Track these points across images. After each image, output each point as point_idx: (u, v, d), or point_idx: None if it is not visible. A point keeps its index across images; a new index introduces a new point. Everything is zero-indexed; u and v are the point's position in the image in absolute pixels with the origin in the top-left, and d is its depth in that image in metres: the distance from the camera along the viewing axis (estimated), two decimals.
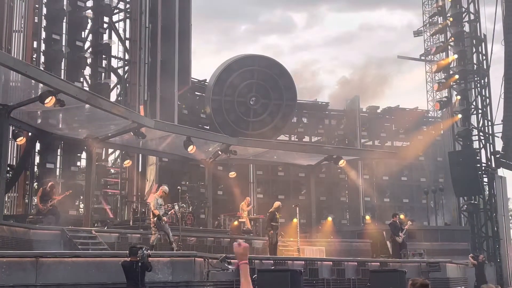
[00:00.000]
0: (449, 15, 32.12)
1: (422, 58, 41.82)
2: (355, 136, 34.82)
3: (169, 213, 17.84)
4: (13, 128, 18.95)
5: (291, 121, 33.85)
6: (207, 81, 32.23)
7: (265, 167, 31.94)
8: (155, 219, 16.18)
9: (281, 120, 32.98)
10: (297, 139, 34.57)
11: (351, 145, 34.25)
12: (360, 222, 31.35)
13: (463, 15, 31.92)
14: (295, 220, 23.19)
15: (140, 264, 11.10)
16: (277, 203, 19.90)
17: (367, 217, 29.11)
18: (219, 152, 24.37)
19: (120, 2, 28.54)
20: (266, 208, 27.09)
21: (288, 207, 23.70)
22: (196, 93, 32.06)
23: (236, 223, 24.14)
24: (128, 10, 28.35)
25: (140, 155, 26.82)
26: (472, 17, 31.87)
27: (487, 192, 30.75)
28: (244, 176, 31.71)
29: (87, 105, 17.74)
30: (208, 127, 31.04)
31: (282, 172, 32.68)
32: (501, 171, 31.04)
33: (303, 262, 16.69)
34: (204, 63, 39.29)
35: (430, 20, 36.84)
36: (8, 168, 18.51)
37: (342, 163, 27.24)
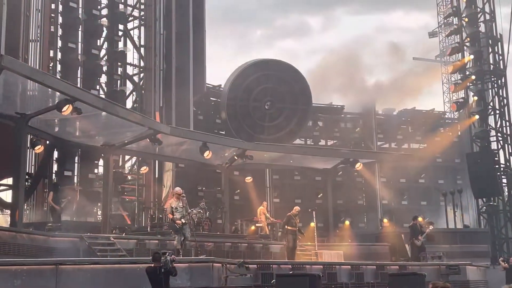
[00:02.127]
0: (464, 15, 31.92)
1: (438, 59, 41.55)
2: (371, 139, 34.64)
3: (189, 212, 17.40)
4: (31, 136, 19.14)
5: (306, 125, 33.76)
6: (222, 86, 32.29)
7: (281, 171, 31.89)
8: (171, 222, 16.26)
9: (296, 125, 32.89)
10: (312, 143, 34.48)
11: (367, 148, 34.10)
12: (378, 225, 31.13)
13: (479, 15, 31.69)
14: (312, 224, 23.12)
15: (163, 270, 11.05)
16: (296, 208, 19.91)
17: (385, 220, 28.88)
18: (235, 157, 24.41)
19: (135, 10, 28.76)
20: (283, 213, 27.04)
21: (305, 211, 23.63)
22: (211, 98, 32.13)
23: (253, 228, 24.14)
24: (143, 17, 28.55)
25: (157, 161, 26.94)
26: (487, 17, 31.63)
27: (506, 193, 30.41)
28: (260, 180, 31.70)
29: (103, 113, 17.89)
30: (223, 132, 31.09)
31: (298, 176, 32.59)
32: None
33: (321, 266, 16.59)
34: (220, 69, 39.28)
35: (445, 21, 36.62)
36: (27, 177, 18.68)
37: (358, 166, 27.18)
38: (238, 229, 24.48)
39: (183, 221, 16.11)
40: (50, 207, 19.22)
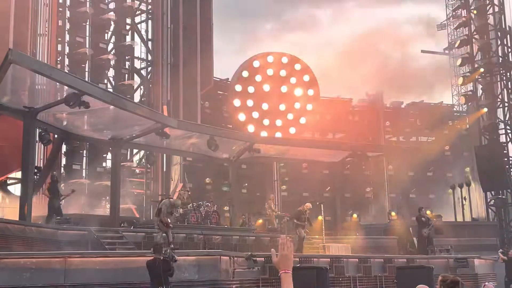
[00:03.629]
0: (472, 7, 31.74)
1: (446, 52, 41.27)
2: (379, 132, 34.55)
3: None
4: (40, 130, 19.22)
5: (315, 118, 33.70)
6: (230, 80, 32.29)
7: (289, 165, 31.88)
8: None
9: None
10: (320, 136, 34.43)
11: (376, 140, 34.01)
12: (386, 219, 31.08)
13: (487, 7, 31.48)
14: (320, 217, 23.13)
15: (162, 261, 11.10)
16: (308, 205, 20.04)
17: (393, 213, 28.80)
18: (243, 151, 24.43)
19: (142, 4, 28.78)
20: (291, 206, 27.11)
21: (313, 204, 23.62)
22: (218, 92, 32.15)
23: (261, 221, 24.18)
24: (150, 11, 28.58)
25: (165, 154, 27.01)
26: (496, 9, 31.42)
27: None
28: (268, 174, 31.74)
29: (111, 107, 17.92)
30: (231, 126, 31.12)
31: (306, 170, 32.58)
32: None
33: (329, 259, 16.62)
34: (228, 62, 39.28)
35: (454, 13, 36.38)
36: (36, 170, 18.77)
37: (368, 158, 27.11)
38: (246, 222, 24.53)
39: (171, 226, 16.49)
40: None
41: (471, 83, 32.35)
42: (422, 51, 44.55)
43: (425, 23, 37.32)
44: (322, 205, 21.80)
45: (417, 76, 35.99)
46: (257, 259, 14.51)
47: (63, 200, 18.80)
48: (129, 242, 17.42)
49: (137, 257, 13.47)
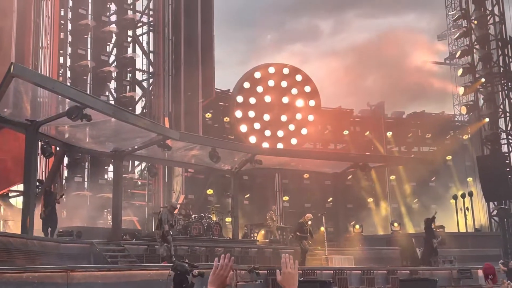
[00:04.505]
0: (473, 18, 31.80)
1: (447, 62, 41.38)
2: (381, 142, 34.55)
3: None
4: (42, 143, 19.22)
5: (316, 129, 33.73)
6: (231, 91, 32.36)
7: (291, 175, 31.85)
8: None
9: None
10: (322, 147, 34.43)
11: (377, 151, 34.01)
12: (389, 229, 31.00)
13: (488, 18, 31.55)
14: (322, 228, 23.06)
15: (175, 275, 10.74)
16: (308, 216, 19.95)
17: (395, 224, 28.73)
18: (244, 162, 24.41)
19: (143, 16, 28.89)
20: (293, 217, 27.08)
21: (315, 215, 23.58)
22: (220, 103, 32.18)
23: (263, 232, 24.11)
24: (152, 23, 28.69)
25: (166, 166, 27.00)
26: (497, 19, 31.48)
27: None
28: (270, 185, 31.72)
29: (113, 119, 17.94)
30: (232, 137, 31.12)
31: (308, 181, 32.53)
32: None
33: (332, 271, 16.55)
34: (229, 73, 39.37)
35: (454, 23, 36.48)
36: (38, 183, 18.74)
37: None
38: (248, 234, 24.47)
39: (171, 233, 16.41)
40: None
41: (473, 93, 32.35)
42: (424, 61, 44.77)
43: (426, 33, 37.47)
44: (324, 217, 21.72)
45: (418, 86, 36.10)
46: (260, 271, 14.45)
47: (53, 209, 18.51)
48: (131, 255, 17.36)
49: (139, 270, 13.42)
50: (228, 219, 26.02)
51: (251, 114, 31.58)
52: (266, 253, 21.43)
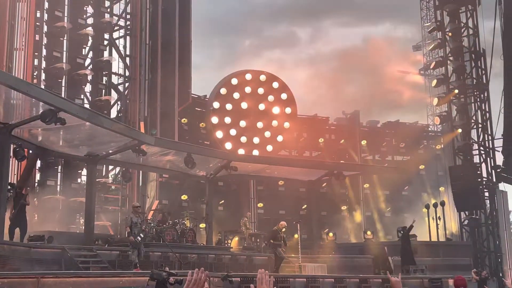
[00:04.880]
0: (447, 30, 32.28)
1: (422, 72, 41.95)
2: (356, 151, 34.84)
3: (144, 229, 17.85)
4: (14, 146, 18.95)
5: (292, 136, 33.87)
6: (208, 97, 32.32)
7: (266, 182, 31.90)
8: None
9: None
10: (297, 154, 34.57)
11: (352, 159, 34.27)
12: (362, 237, 31.24)
13: (462, 30, 32.06)
14: (296, 236, 23.13)
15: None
16: (282, 223, 19.98)
17: (368, 232, 28.99)
18: (220, 168, 24.40)
19: (121, 20, 28.72)
20: (267, 224, 27.11)
21: (289, 223, 23.67)
22: (196, 108, 32.11)
23: (237, 239, 24.09)
24: (129, 27, 28.53)
25: (141, 171, 26.82)
26: (471, 31, 31.99)
27: (488, 207, 30.67)
28: (245, 191, 31.71)
29: (87, 123, 17.78)
30: (208, 143, 31.07)
31: (282, 188, 32.62)
32: (502, 186, 30.97)
33: (305, 279, 16.61)
34: (208, 78, 39.34)
35: (429, 34, 37.01)
36: (9, 187, 18.46)
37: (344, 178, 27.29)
38: (222, 241, 24.42)
39: (139, 239, 16.22)
40: None
41: (446, 104, 32.81)
42: (399, 71, 45.33)
43: (401, 44, 37.97)
44: (298, 225, 21.79)
45: (393, 95, 36.53)
46: (233, 279, 14.43)
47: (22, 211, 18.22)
48: (103, 261, 17.18)
49: (111, 277, 13.31)
50: (202, 225, 25.93)
51: (227, 120, 31.57)
52: (240, 260, 21.41)
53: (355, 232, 33.58)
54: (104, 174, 27.44)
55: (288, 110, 33.14)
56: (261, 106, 32.56)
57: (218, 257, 21.00)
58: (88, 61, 27.02)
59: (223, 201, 30.32)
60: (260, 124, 32.37)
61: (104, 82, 27.49)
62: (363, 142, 35.50)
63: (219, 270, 17.55)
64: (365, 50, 37.97)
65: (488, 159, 31.04)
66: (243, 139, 31.73)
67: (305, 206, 31.82)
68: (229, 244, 23.86)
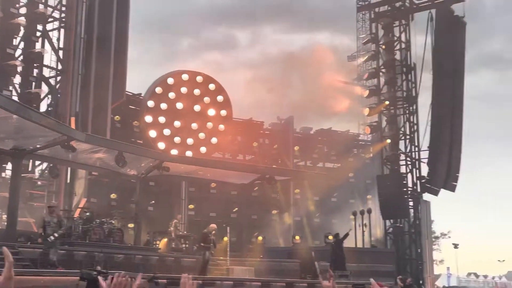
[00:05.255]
0: (381, 42, 33.26)
1: (355, 82, 42.99)
2: (288, 156, 35.29)
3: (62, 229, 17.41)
4: None
5: (226, 139, 33.92)
6: (142, 95, 31.89)
7: (198, 184, 31.79)
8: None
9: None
10: (231, 157, 34.66)
11: (284, 164, 34.68)
12: (290, 242, 31.64)
13: (395, 44, 33.11)
14: (225, 238, 23.17)
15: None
16: (213, 226, 19.94)
17: (297, 237, 29.43)
18: (152, 168, 24.11)
19: (55, 11, 27.87)
20: (197, 226, 27.01)
21: (219, 225, 23.66)
22: (130, 106, 31.61)
23: (166, 240, 23.86)
24: (63, 19, 27.72)
25: (69, 167, 26.12)
26: (403, 45, 33.10)
27: (412, 216, 31.78)
28: (176, 192, 31.48)
29: (15, 116, 17.16)
30: (141, 142, 30.64)
31: (214, 190, 32.62)
32: (426, 196, 32.17)
33: (232, 282, 16.66)
34: (144, 76, 38.79)
35: (364, 46, 38.01)
36: None
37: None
38: (150, 242, 24.13)
39: (52, 238, 15.91)
40: None
41: (377, 114, 33.76)
42: (333, 80, 46.25)
43: (338, 54, 38.82)
44: (228, 228, 21.83)
45: (327, 103, 37.24)
46: (160, 281, 14.28)
47: None
48: (25, 259, 16.60)
49: (32, 276, 12.89)
50: (131, 225, 25.52)
51: (162, 119, 31.27)
52: (168, 261, 21.20)
53: (284, 236, 33.98)
54: (30, 169, 26.52)
55: (223, 112, 33.19)
56: (197, 107, 32.46)
57: (146, 258, 20.69)
58: (18, 52, 26.07)
59: (153, 202, 29.98)
60: (194, 125, 32.26)
61: (35, 75, 26.60)
62: (296, 148, 36.03)
63: (146, 271, 17.31)
64: (302, 58, 38.54)
65: (414, 169, 32.19)
66: (177, 139, 31.52)
67: (236, 209, 31.95)
68: (157, 245, 23.60)
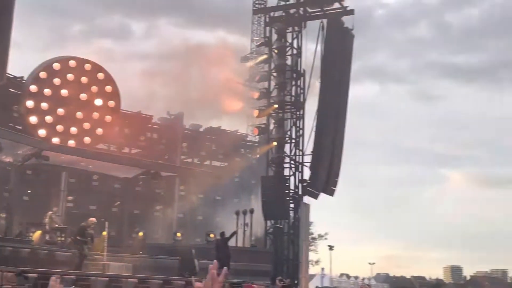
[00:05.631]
0: (274, 47, 33.92)
1: (247, 83, 43.52)
2: (176, 152, 35.05)
3: None
4: None
5: (112, 131, 33.02)
6: (25, 78, 30.26)
7: (79, 175, 30.69)
8: None
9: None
10: (116, 150, 33.80)
11: (171, 160, 34.40)
12: (172, 239, 31.43)
13: (287, 49, 33.91)
14: (104, 233, 22.57)
15: None
16: (92, 220, 19.38)
17: (178, 234, 29.28)
18: (30, 156, 22.99)
19: None
20: (75, 218, 26.05)
21: (98, 219, 23.02)
22: (10, 89, 29.85)
23: (40, 232, 22.82)
24: None
25: None
26: (295, 51, 33.98)
27: (292, 217, 32.70)
28: (55, 182, 30.17)
29: None
30: (20, 127, 29.07)
31: (96, 182, 31.67)
32: (307, 199, 33.24)
33: (107, 278, 16.27)
34: (28, 60, 36.73)
35: (257, 49, 38.59)
36: None
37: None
38: (23, 233, 22.97)
39: None
40: None
41: (265, 116, 34.38)
42: (225, 80, 46.52)
43: (232, 54, 39.11)
44: (107, 222, 21.29)
45: (218, 102, 37.42)
46: (30, 275, 13.67)
47: None
48: None
49: None
50: (3, 215, 24.16)
51: (44, 105, 29.80)
52: (41, 255, 20.29)
53: (166, 232, 33.69)
54: None
55: (111, 103, 32.25)
56: (83, 96, 31.26)
57: (16, 250, 19.68)
58: None
59: (29, 191, 28.54)
60: (79, 114, 31.04)
61: None
62: (184, 145, 35.88)
63: (17, 264, 16.45)
64: (196, 54, 38.40)
65: (297, 172, 33.14)
66: (59, 127, 30.17)
67: (118, 203, 31.21)
68: (30, 237, 22.50)
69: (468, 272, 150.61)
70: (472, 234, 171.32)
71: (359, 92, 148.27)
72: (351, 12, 33.02)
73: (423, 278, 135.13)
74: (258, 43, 37.22)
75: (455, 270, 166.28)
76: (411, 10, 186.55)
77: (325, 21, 33.33)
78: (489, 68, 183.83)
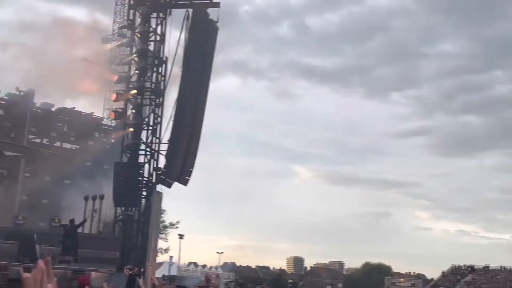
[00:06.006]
0: (137, 31, 33.14)
1: (106, 65, 42.14)
2: (23, 131, 33.04)
3: None
4: None
5: None
6: None
7: None
8: None
9: None
10: None
11: (18, 140, 32.35)
12: (13, 222, 29.63)
13: (150, 35, 33.28)
14: None
15: None
16: None
17: (20, 217, 27.69)
18: None
19: None
20: None
21: None
22: None
23: None
24: None
25: None
26: (158, 38, 33.44)
27: (144, 205, 32.29)
28: None
29: None
30: None
31: None
32: (160, 187, 32.96)
33: None
34: None
35: (119, 31, 37.52)
36: None
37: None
38: None
39: None
40: None
41: (123, 101, 33.49)
42: (83, 59, 44.66)
43: (92, 33, 37.59)
44: None
45: (74, 81, 35.82)
46: None
47: None
48: None
49: None
50: None
51: None
52: None
53: (6, 215, 31.68)
54: None
55: None
56: None
57: None
58: None
59: None
60: None
61: None
62: (33, 124, 33.94)
63: None
64: (53, 29, 36.34)
65: (152, 160, 32.71)
66: None
67: None
68: None
69: (309, 263, 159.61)
70: (315, 228, 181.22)
71: (220, 85, 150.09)
72: (217, 4, 33.19)
73: (267, 268, 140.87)
74: (121, 25, 36.18)
75: (297, 261, 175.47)
76: (275, 10, 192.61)
77: (190, 10, 33.18)
78: (341, 73, 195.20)
